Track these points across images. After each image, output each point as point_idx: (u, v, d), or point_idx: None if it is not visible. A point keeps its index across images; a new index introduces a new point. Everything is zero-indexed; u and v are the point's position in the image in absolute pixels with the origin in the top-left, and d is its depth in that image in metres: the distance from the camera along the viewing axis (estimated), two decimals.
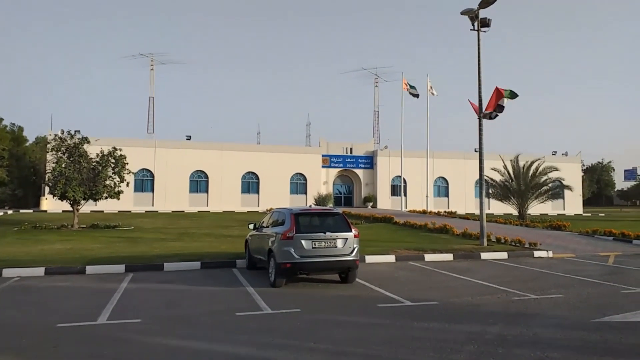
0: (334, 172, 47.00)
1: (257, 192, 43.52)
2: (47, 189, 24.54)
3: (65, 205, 24.49)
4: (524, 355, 5.54)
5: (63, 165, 21.43)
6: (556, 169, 30.93)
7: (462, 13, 16.77)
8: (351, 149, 47.61)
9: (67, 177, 21.06)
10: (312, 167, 45.33)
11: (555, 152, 52.28)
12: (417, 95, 39.07)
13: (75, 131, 24.03)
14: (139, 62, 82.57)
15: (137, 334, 6.48)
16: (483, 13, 16.64)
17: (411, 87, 38.89)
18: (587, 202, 66.09)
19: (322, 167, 46.05)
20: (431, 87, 40.23)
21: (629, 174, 74.14)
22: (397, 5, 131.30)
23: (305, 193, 44.54)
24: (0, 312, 7.67)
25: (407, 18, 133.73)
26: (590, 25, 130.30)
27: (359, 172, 47.44)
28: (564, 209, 48.56)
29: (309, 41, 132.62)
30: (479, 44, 16.98)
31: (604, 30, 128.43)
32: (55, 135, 23.04)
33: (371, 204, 45.53)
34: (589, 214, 46.38)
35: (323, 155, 46.19)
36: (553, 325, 6.84)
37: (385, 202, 45.93)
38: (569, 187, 31.85)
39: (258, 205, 42.15)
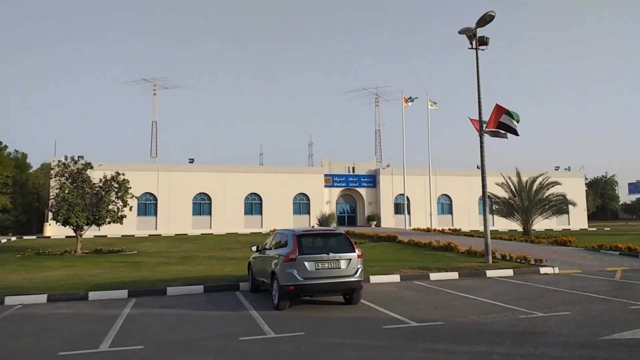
0: (336, 191, 46.98)
1: (260, 213, 43.45)
2: (50, 215, 24.57)
3: (69, 231, 24.48)
4: None
5: (66, 191, 21.49)
6: (559, 184, 30.88)
7: (460, 32, 16.95)
8: (353, 168, 47.64)
9: (70, 202, 21.09)
10: (315, 187, 45.33)
11: (558, 167, 52.20)
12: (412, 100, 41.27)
13: (78, 157, 24.32)
14: (141, 87, 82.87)
15: None
16: (481, 32, 16.83)
17: (409, 99, 40.91)
18: (591, 217, 65.69)
19: (325, 186, 46.05)
20: (434, 104, 40.80)
21: (633, 187, 73.75)
22: (396, 25, 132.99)
23: (309, 213, 44.45)
24: (2, 341, 7.60)
25: (406, 37, 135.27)
26: (591, 37, 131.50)
27: (362, 191, 47.39)
28: (569, 224, 48.28)
29: (309, 62, 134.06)
30: (477, 62, 17.14)
31: (605, 42, 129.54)
32: (59, 161, 23.16)
33: (375, 222, 45.38)
34: (594, 229, 46.06)
35: (325, 175, 46.23)
36: (561, 344, 6.74)
37: (389, 220, 45.77)
38: (572, 202, 31.65)
39: (261, 227, 42.07)
